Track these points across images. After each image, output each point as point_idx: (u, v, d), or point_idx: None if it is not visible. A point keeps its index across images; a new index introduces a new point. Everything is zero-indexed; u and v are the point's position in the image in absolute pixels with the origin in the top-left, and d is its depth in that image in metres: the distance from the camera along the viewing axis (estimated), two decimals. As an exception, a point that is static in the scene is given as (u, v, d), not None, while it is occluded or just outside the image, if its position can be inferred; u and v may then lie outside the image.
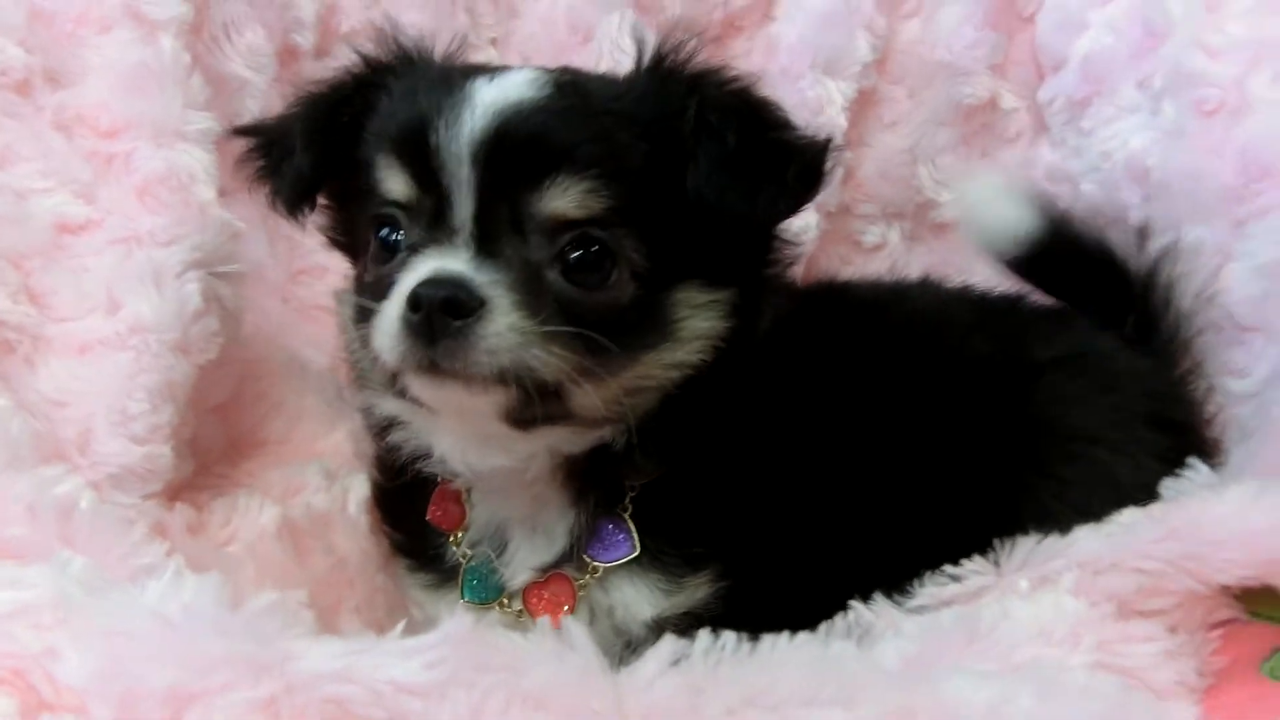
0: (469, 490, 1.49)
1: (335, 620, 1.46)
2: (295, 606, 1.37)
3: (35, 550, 1.14)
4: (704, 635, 1.12)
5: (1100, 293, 1.85)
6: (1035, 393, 1.66)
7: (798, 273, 1.69)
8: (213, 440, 1.61)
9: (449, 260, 1.26)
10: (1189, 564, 1.35)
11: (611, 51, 2.16)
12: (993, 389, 1.65)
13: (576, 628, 1.04)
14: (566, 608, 1.42)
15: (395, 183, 1.33)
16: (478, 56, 2.25)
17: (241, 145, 1.53)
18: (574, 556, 1.44)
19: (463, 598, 1.49)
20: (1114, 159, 2.06)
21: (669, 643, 1.05)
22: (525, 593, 1.46)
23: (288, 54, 2.05)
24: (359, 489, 1.61)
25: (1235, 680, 1.31)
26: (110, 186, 1.56)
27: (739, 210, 1.32)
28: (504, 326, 1.22)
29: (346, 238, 1.52)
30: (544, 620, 1.07)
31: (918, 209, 2.34)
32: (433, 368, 1.24)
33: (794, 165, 1.33)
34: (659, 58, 1.40)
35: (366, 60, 1.48)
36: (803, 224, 2.20)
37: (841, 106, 2.20)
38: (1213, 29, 1.89)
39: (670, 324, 1.35)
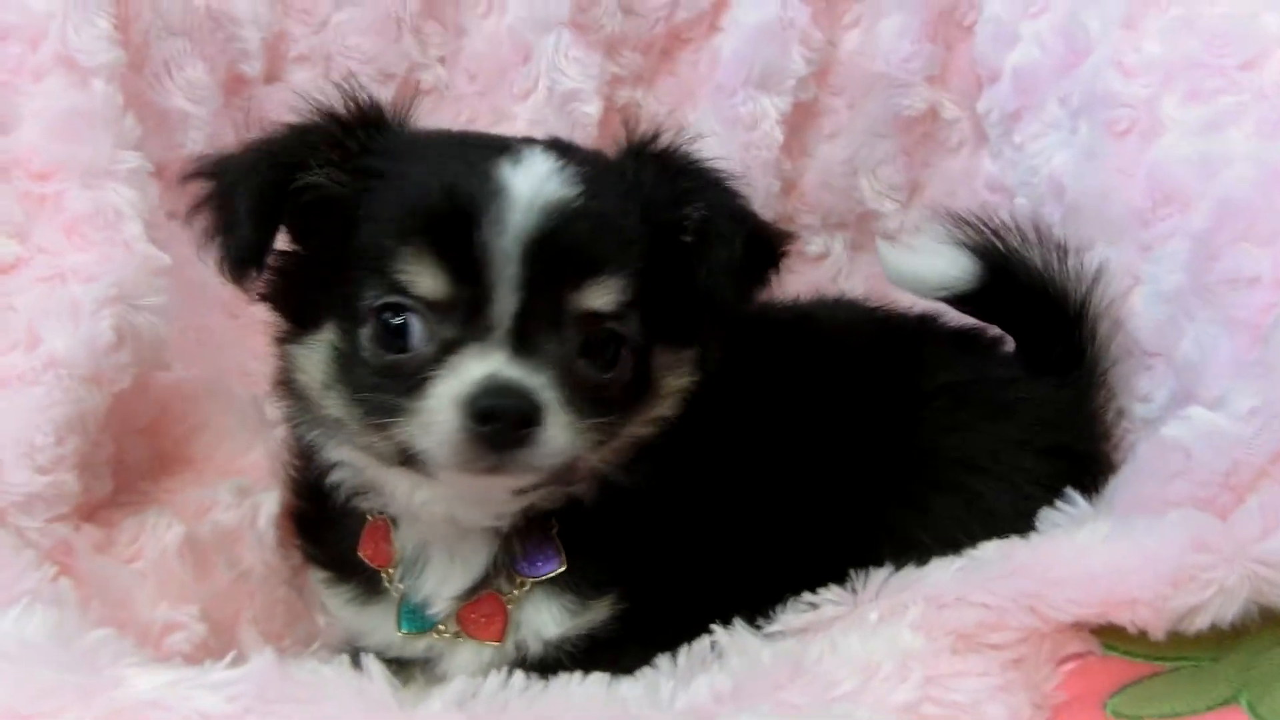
0: (395, 520, 1.52)
1: (233, 630, 1.57)
2: (189, 620, 1.51)
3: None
4: (494, 677, 1.19)
5: (1034, 321, 1.84)
6: (920, 421, 1.70)
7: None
8: (139, 458, 1.73)
9: (493, 361, 1.29)
10: (1030, 601, 1.37)
11: (549, 71, 2.21)
12: (879, 418, 1.69)
13: (374, 663, 1.13)
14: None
15: (427, 280, 1.30)
16: (426, 76, 2.32)
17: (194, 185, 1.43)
18: (501, 574, 1.50)
19: (400, 629, 1.52)
20: (1040, 174, 2.03)
21: (459, 683, 1.13)
22: (460, 614, 1.51)
23: (236, 83, 2.14)
24: (269, 505, 1.70)
25: (1073, 716, 1.33)
26: (42, 226, 1.66)
27: (737, 304, 1.46)
28: (559, 429, 1.29)
29: (296, 303, 1.45)
30: (342, 656, 1.16)
31: (859, 219, 2.36)
32: (493, 469, 1.30)
33: (777, 267, 1.50)
34: (643, 143, 1.48)
35: (336, 121, 1.40)
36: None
37: (776, 120, 2.22)
38: (1130, 47, 1.85)
39: (653, 384, 1.45)
